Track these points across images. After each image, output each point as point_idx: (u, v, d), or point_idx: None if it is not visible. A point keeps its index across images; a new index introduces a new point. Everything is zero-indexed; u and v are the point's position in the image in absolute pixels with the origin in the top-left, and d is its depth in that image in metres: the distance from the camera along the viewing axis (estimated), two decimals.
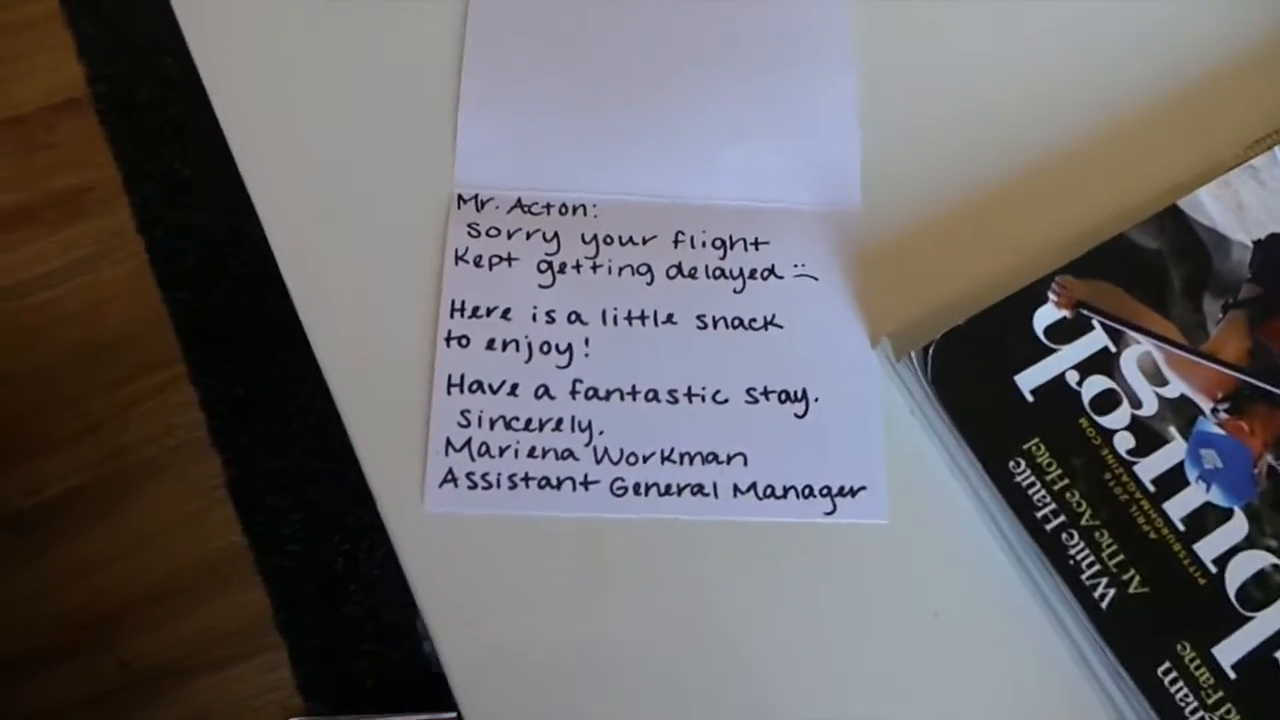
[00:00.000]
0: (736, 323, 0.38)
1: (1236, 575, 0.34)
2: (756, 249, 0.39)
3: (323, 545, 0.88)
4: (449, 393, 0.36)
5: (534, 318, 0.37)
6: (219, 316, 0.95)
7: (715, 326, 0.38)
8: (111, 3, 1.06)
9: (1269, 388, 0.37)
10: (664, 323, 0.38)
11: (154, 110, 1.02)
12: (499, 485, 0.35)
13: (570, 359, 0.37)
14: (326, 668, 0.84)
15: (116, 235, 0.99)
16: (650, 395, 0.36)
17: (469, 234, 0.38)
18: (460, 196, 0.39)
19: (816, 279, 0.39)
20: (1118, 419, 0.36)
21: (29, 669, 0.84)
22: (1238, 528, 0.35)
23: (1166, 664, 0.33)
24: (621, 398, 0.36)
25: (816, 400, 0.37)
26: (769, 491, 0.36)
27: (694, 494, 0.35)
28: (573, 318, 0.37)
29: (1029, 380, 0.36)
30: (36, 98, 1.04)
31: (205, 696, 0.84)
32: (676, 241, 0.39)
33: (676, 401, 0.37)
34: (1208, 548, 0.34)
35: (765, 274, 0.39)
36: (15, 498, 0.91)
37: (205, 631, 0.86)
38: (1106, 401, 0.36)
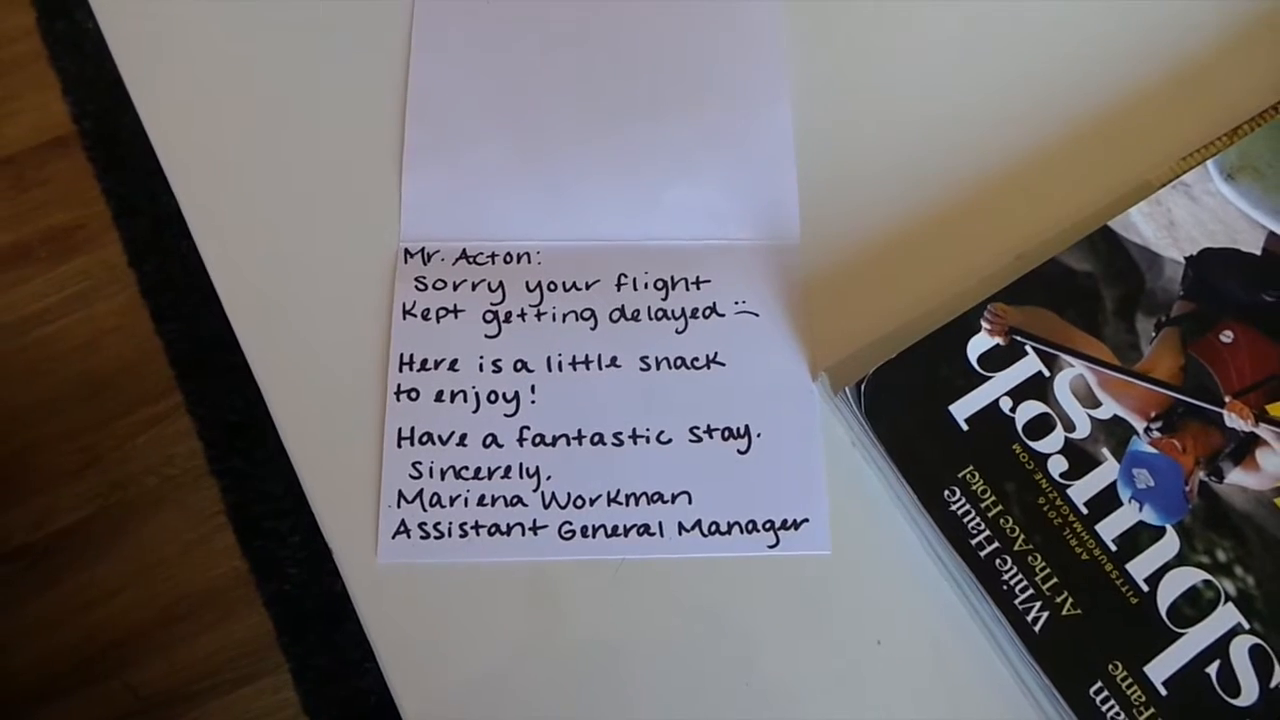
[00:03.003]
0: (679, 362, 0.39)
1: (1168, 593, 0.35)
2: (698, 288, 0.40)
3: (322, 566, 0.89)
4: (399, 445, 0.37)
5: (481, 368, 0.38)
6: (211, 345, 0.97)
7: (658, 367, 0.39)
8: (93, 40, 1.08)
9: (1201, 404, 0.37)
10: (608, 366, 0.39)
11: (139, 145, 1.03)
12: (450, 534, 0.36)
13: (517, 407, 0.38)
14: (330, 687, 0.86)
15: (108, 269, 1.01)
16: (596, 439, 0.38)
17: (416, 287, 0.39)
18: (406, 251, 0.40)
19: (757, 315, 0.40)
20: (1051, 443, 0.37)
21: (40, 698, 0.87)
22: (1169, 546, 0.35)
23: (1099, 683, 0.33)
24: (568, 443, 0.38)
25: (759, 436, 0.38)
26: (713, 528, 0.37)
27: (640, 534, 0.37)
28: (519, 366, 0.38)
29: (963, 409, 0.37)
30: (25, 137, 1.06)
31: (213, 719, 0.86)
32: (619, 284, 0.40)
33: (621, 444, 0.38)
34: (1140, 567, 0.35)
35: (707, 312, 0.40)
36: (22, 531, 0.93)
37: (211, 656, 0.88)
38: (1040, 426, 0.37)
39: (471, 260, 0.40)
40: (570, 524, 0.37)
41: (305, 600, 0.89)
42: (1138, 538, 0.35)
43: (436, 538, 0.36)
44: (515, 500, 0.37)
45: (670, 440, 0.38)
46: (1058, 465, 0.36)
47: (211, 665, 0.88)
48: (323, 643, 0.88)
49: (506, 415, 0.38)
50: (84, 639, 0.89)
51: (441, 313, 0.39)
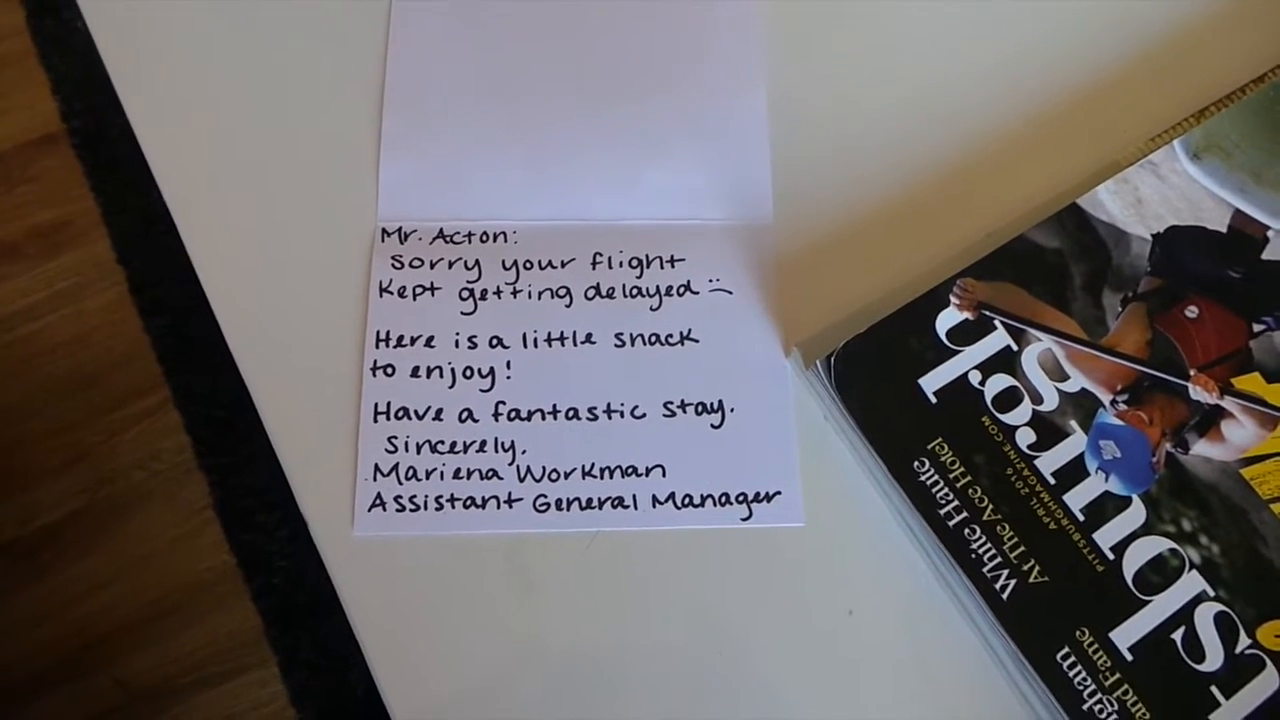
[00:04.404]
0: (654, 339, 0.39)
1: (1134, 561, 0.35)
2: (673, 266, 0.41)
3: (309, 560, 0.90)
4: (376, 420, 0.37)
5: (457, 344, 0.39)
6: (198, 341, 0.98)
7: (633, 344, 0.39)
8: (82, 39, 1.09)
9: (1167, 377, 0.38)
10: (583, 343, 0.39)
11: (127, 143, 1.03)
12: (426, 507, 0.36)
13: (493, 382, 0.38)
14: (317, 680, 0.87)
15: (97, 266, 1.01)
16: (570, 414, 0.38)
17: (393, 266, 0.40)
18: (384, 230, 0.41)
19: (731, 293, 0.40)
20: (1019, 415, 0.37)
21: (28, 692, 0.87)
22: (1136, 515, 0.36)
23: (1065, 649, 0.34)
24: (543, 417, 0.38)
25: (732, 411, 0.39)
26: (687, 501, 0.37)
27: (614, 506, 0.37)
28: (494, 342, 0.39)
29: (932, 382, 0.37)
30: (14, 135, 1.07)
31: (201, 713, 0.86)
32: (594, 263, 0.41)
33: (596, 419, 0.38)
34: (1106, 536, 0.36)
35: (681, 290, 0.40)
36: (10, 526, 0.93)
37: (199, 649, 0.89)
38: (1008, 399, 0.37)
39: (448, 239, 0.41)
40: (545, 497, 0.37)
41: (293, 594, 0.90)
42: (1104, 507, 0.36)
43: (412, 511, 0.36)
44: (491, 474, 0.37)
45: (644, 415, 0.38)
46: (1026, 437, 0.37)
47: (199, 659, 0.88)
48: (310, 636, 0.88)
49: (482, 390, 0.38)
50: (71, 633, 0.89)
51: (418, 290, 0.40)
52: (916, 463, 0.36)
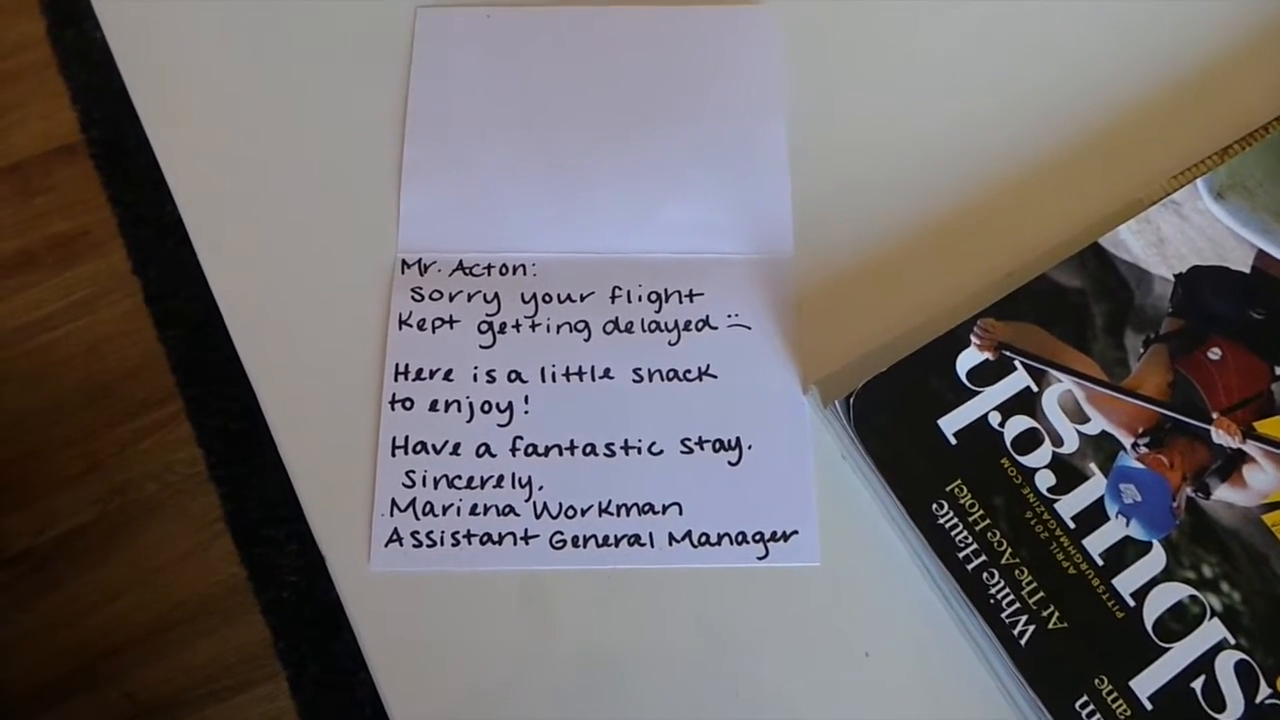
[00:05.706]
0: (671, 375, 0.39)
1: (1154, 608, 0.35)
2: (691, 301, 0.41)
3: (319, 575, 0.90)
4: (394, 454, 0.37)
5: (475, 378, 0.39)
6: (213, 353, 0.98)
7: (651, 379, 0.39)
8: (101, 51, 1.09)
9: (1189, 420, 0.38)
10: (601, 378, 0.39)
11: (145, 154, 1.04)
12: (443, 543, 0.36)
13: (511, 417, 0.38)
14: (326, 695, 0.87)
15: (113, 276, 1.02)
16: (588, 449, 0.38)
17: (412, 298, 0.40)
18: (404, 261, 0.41)
19: (750, 328, 0.40)
20: (1039, 458, 0.37)
21: (38, 703, 0.87)
22: (1156, 561, 0.36)
23: (1084, 698, 0.34)
24: (560, 453, 0.38)
25: (750, 448, 0.38)
26: (703, 539, 0.37)
27: (631, 544, 0.37)
28: (513, 376, 0.39)
29: (952, 423, 0.37)
30: (33, 145, 1.08)
31: None
32: (614, 296, 0.40)
33: (613, 455, 0.38)
34: (1126, 581, 0.35)
35: (700, 325, 0.40)
36: (23, 536, 0.94)
37: (208, 662, 0.89)
38: (1028, 441, 0.37)
39: (467, 271, 0.41)
40: (561, 534, 0.37)
41: (302, 608, 0.90)
42: (1124, 552, 0.36)
43: (429, 546, 0.36)
44: (507, 510, 0.37)
45: (662, 451, 0.38)
46: (1045, 480, 0.37)
47: (208, 672, 0.88)
48: (319, 651, 0.88)
49: (500, 425, 0.38)
50: (82, 644, 0.89)
51: (437, 323, 0.40)
52: (935, 504, 0.36)
